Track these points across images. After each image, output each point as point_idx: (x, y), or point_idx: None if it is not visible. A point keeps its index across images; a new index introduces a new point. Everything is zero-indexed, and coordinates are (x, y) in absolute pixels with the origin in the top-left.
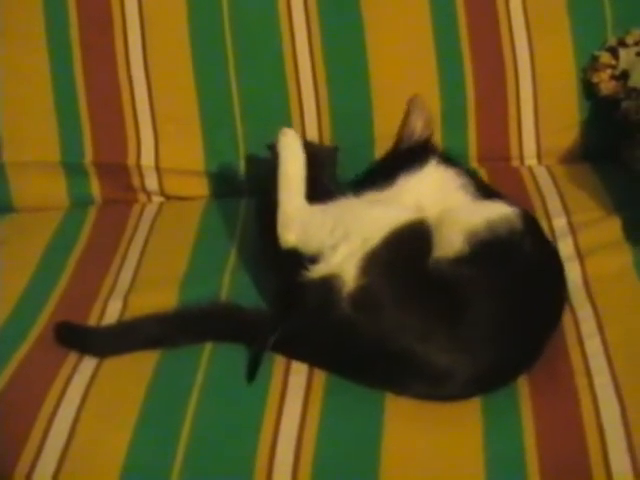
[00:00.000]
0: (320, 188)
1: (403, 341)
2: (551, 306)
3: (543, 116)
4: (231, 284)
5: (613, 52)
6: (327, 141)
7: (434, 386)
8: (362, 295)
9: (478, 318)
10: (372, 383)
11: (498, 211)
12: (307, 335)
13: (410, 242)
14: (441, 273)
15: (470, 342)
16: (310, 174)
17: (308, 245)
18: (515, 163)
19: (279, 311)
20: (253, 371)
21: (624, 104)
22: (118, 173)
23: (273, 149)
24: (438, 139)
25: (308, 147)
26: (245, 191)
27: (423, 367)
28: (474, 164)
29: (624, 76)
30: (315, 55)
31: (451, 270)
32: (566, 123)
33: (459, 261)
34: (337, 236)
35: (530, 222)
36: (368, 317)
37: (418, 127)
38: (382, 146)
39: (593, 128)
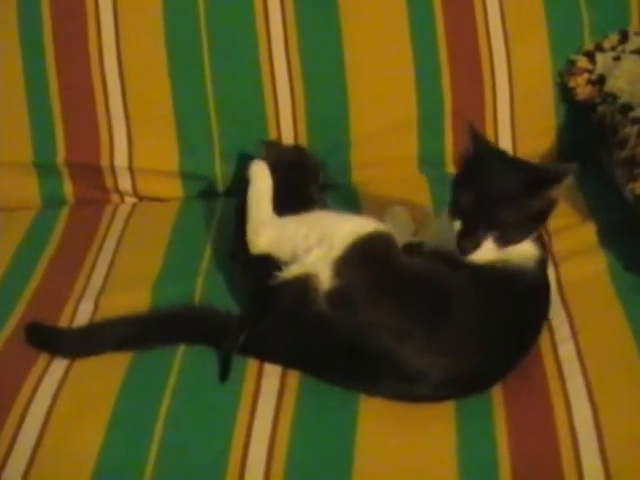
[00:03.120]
0: (303, 195)
1: (379, 338)
2: (531, 318)
3: (519, 120)
4: (205, 286)
5: (590, 56)
6: (303, 142)
7: (408, 385)
8: (339, 292)
9: (457, 321)
10: (347, 381)
11: None
12: (282, 335)
13: (378, 246)
14: (422, 274)
15: (447, 344)
16: (297, 182)
17: (281, 249)
18: None
19: (252, 312)
20: (225, 372)
21: (600, 109)
22: (91, 173)
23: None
24: (414, 144)
25: (298, 157)
26: (221, 192)
27: (398, 365)
28: (451, 169)
29: (601, 81)
30: (291, 56)
31: (431, 272)
32: (542, 128)
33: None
34: (311, 240)
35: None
36: (345, 313)
37: None
38: (358, 149)
39: (569, 132)
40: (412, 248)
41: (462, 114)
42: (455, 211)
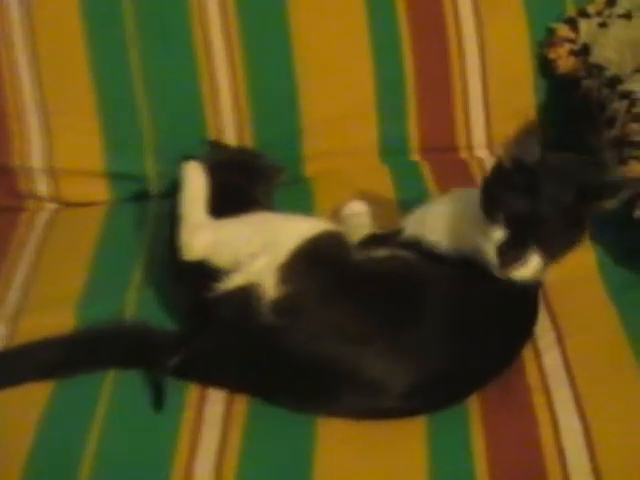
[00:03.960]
0: (246, 197)
1: (335, 347)
2: (516, 325)
3: (493, 100)
4: (137, 302)
5: (572, 24)
6: (247, 135)
7: (371, 398)
8: (286, 301)
9: (427, 323)
10: (301, 401)
11: None
12: (224, 354)
13: (328, 248)
14: (382, 273)
15: (414, 349)
16: (239, 184)
17: (220, 256)
18: (463, 154)
19: (187, 330)
20: (159, 400)
21: (585, 83)
22: (1, 176)
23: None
24: (374, 131)
25: (242, 158)
26: (153, 193)
27: (358, 375)
28: (416, 157)
29: (585, 51)
30: (231, 38)
31: (396, 269)
32: (520, 107)
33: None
34: (254, 245)
35: None
36: (295, 323)
37: None
38: (310, 138)
39: (551, 112)
40: (378, 239)
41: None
42: (498, 216)
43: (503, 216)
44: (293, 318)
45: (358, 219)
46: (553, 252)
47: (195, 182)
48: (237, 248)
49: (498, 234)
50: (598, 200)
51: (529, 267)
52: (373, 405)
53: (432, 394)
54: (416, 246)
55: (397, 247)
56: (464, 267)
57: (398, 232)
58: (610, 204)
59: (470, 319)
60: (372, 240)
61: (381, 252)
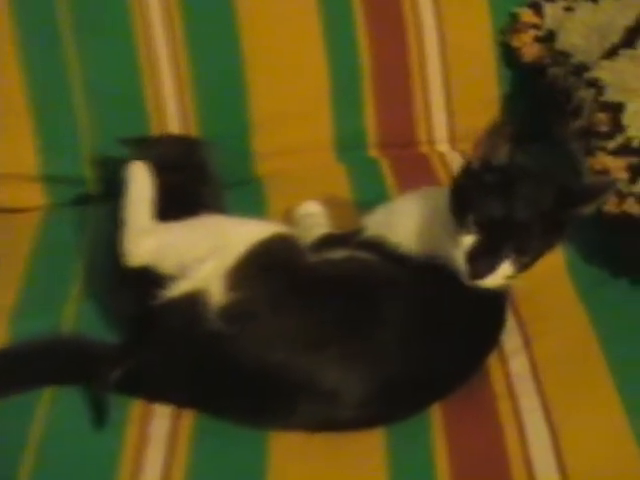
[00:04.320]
0: (193, 199)
1: (286, 352)
2: (480, 333)
3: (455, 91)
4: (76, 314)
5: (537, 8)
6: (193, 131)
7: (324, 407)
8: (234, 306)
9: (383, 327)
10: (252, 415)
11: None
12: (169, 366)
13: (278, 251)
14: (336, 276)
15: (370, 354)
16: (184, 183)
17: (165, 261)
18: (424, 149)
19: (129, 341)
20: (100, 417)
21: (551, 71)
22: None
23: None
24: (328, 126)
25: (185, 152)
26: (93, 198)
27: (310, 382)
28: (374, 152)
29: (550, 37)
30: (174, 28)
31: (352, 271)
32: (483, 98)
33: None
34: (201, 250)
35: None
36: (243, 329)
37: None
38: (261, 135)
39: (516, 103)
40: (334, 240)
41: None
42: (469, 220)
43: (474, 220)
44: (242, 325)
45: (313, 220)
46: (528, 259)
47: (140, 183)
48: (183, 253)
49: (468, 239)
50: (580, 204)
51: (501, 275)
52: (329, 415)
53: (391, 402)
54: (378, 247)
55: (356, 248)
56: (429, 269)
57: (358, 232)
58: (590, 208)
59: (432, 324)
60: (328, 241)
61: (338, 253)
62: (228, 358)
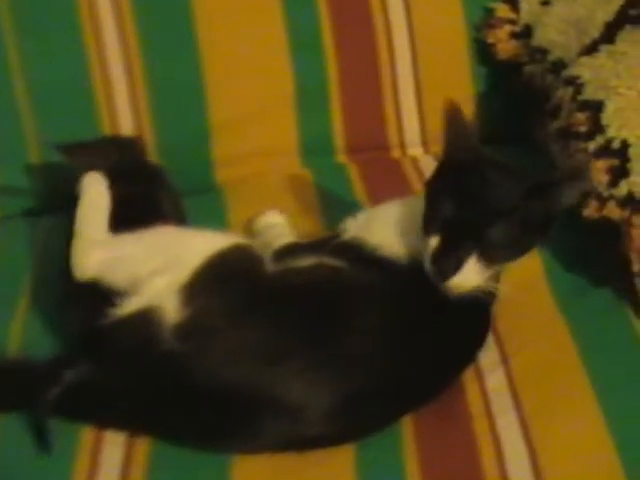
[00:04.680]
0: (150, 208)
1: (246, 368)
2: (456, 344)
3: (427, 92)
4: (23, 334)
5: (512, 3)
6: (148, 139)
7: (288, 424)
8: (190, 323)
9: (350, 338)
10: (211, 437)
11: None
12: (121, 389)
13: (236, 262)
14: (299, 286)
15: (335, 367)
16: (140, 192)
17: (116, 276)
18: (395, 153)
19: (69, 360)
20: (43, 445)
21: (528, 68)
22: None
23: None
24: (293, 130)
25: (138, 156)
26: (41, 209)
27: (272, 399)
28: (342, 158)
29: (527, 33)
30: (125, 28)
31: (319, 281)
32: (456, 97)
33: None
34: (154, 264)
35: None
36: (200, 346)
37: None
38: (221, 140)
39: (492, 102)
40: (300, 248)
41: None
42: (431, 225)
43: (436, 223)
44: (199, 343)
45: (276, 230)
46: (495, 256)
47: (94, 193)
48: (134, 267)
49: (433, 241)
50: (555, 196)
51: (467, 275)
52: (295, 433)
53: (359, 417)
54: (355, 249)
55: (326, 254)
56: (407, 276)
57: (330, 238)
58: (565, 200)
59: (403, 334)
60: (292, 250)
61: (304, 262)
62: (185, 378)
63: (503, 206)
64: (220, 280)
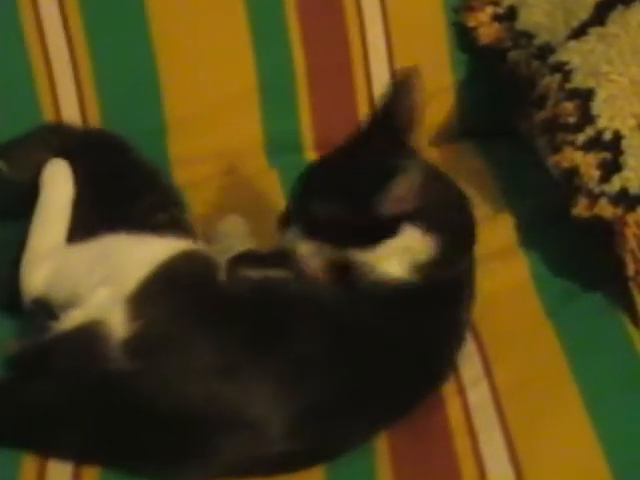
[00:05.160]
0: (125, 212)
1: (200, 385)
2: (429, 354)
3: None
4: None
5: None
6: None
7: (248, 442)
8: (139, 338)
9: (307, 349)
10: (164, 464)
11: None
12: (65, 413)
13: (186, 271)
14: (252, 296)
15: (292, 378)
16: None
17: (59, 290)
18: None
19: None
20: None
21: (512, 55)
22: None
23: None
24: (257, 126)
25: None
26: None
27: (229, 415)
28: (312, 155)
29: (511, 15)
30: (71, 17)
31: (275, 290)
32: (435, 88)
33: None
34: (98, 275)
35: None
36: (150, 362)
37: None
38: (178, 138)
39: (472, 92)
40: (260, 256)
41: None
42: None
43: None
44: (149, 359)
45: (235, 236)
46: (314, 229)
47: (56, 189)
48: (76, 279)
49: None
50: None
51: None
52: (256, 453)
53: (324, 432)
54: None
55: (277, 265)
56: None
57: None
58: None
59: (368, 342)
60: (250, 257)
61: (264, 271)
62: (134, 400)
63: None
64: (170, 290)
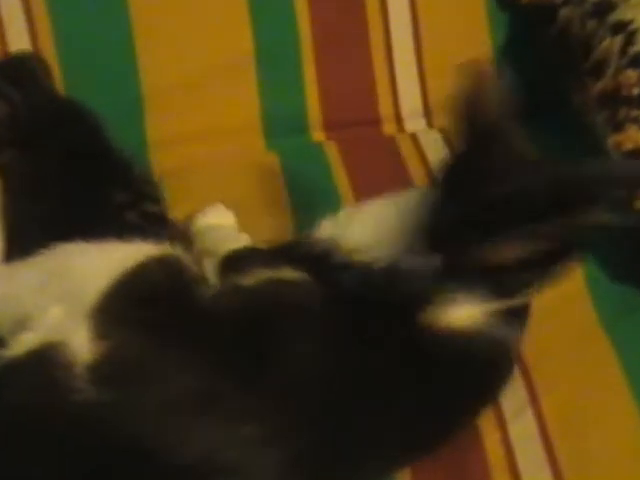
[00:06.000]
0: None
1: (177, 418)
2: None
3: (429, 48)
4: None
5: None
6: None
7: None
8: (108, 363)
9: (296, 379)
10: None
11: None
12: (16, 452)
13: (157, 283)
14: (238, 311)
15: (283, 413)
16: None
17: (4, 314)
18: (388, 129)
19: None
20: None
21: (562, 13)
22: None
23: None
24: (254, 101)
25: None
26: None
27: (209, 455)
28: (318, 135)
29: None
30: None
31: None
32: (469, 55)
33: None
34: (50, 292)
35: None
36: (124, 393)
37: None
38: (157, 114)
39: (514, 60)
40: (254, 256)
41: None
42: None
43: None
44: (122, 388)
45: (220, 232)
46: (506, 287)
47: None
48: (25, 298)
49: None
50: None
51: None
52: None
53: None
54: (325, 258)
55: (286, 264)
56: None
57: (296, 243)
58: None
59: (376, 370)
60: (242, 259)
61: (254, 277)
62: (105, 436)
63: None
64: (138, 303)
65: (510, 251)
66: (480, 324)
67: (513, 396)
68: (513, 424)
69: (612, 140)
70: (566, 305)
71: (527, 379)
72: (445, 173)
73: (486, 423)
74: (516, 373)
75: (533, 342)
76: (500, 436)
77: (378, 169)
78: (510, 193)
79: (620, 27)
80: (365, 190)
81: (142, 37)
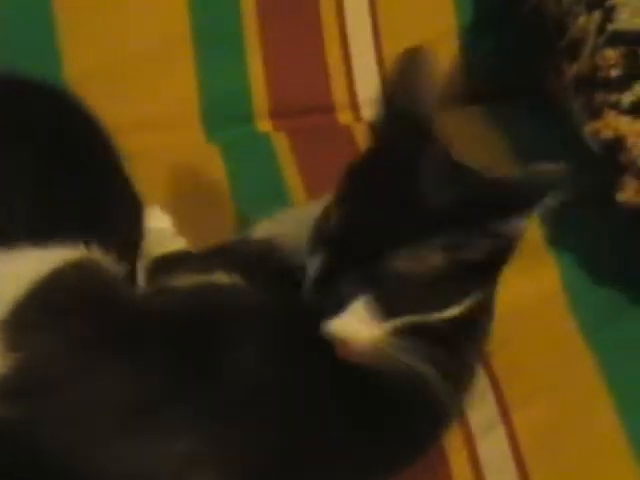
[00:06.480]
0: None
1: (104, 427)
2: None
3: (388, 28)
4: None
5: None
6: None
7: None
8: (20, 376)
9: (242, 381)
10: None
11: None
12: None
13: (76, 287)
14: (163, 318)
15: (227, 427)
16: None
17: None
18: (343, 117)
19: None
20: None
21: None
22: None
23: None
24: (191, 85)
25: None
26: None
27: (146, 471)
28: (265, 126)
29: None
30: None
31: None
32: (433, 35)
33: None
34: None
35: None
36: (38, 409)
37: None
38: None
39: (484, 41)
40: (181, 260)
41: None
42: (318, 238)
43: (322, 236)
44: (36, 404)
45: (155, 235)
46: (400, 301)
47: None
48: None
49: (315, 261)
50: (495, 218)
51: (357, 319)
52: None
53: None
54: (261, 260)
55: (220, 267)
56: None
57: (233, 244)
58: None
59: (320, 382)
60: (174, 262)
61: (185, 279)
62: (20, 454)
63: (424, 224)
64: (53, 312)
65: (427, 261)
66: (387, 344)
67: (482, 410)
68: (482, 440)
69: (589, 127)
70: (541, 311)
71: (497, 392)
72: (358, 170)
73: (452, 440)
74: (485, 385)
75: (504, 352)
76: (467, 454)
77: (332, 162)
78: (427, 199)
79: (597, 2)
80: (318, 185)
81: (64, 18)
